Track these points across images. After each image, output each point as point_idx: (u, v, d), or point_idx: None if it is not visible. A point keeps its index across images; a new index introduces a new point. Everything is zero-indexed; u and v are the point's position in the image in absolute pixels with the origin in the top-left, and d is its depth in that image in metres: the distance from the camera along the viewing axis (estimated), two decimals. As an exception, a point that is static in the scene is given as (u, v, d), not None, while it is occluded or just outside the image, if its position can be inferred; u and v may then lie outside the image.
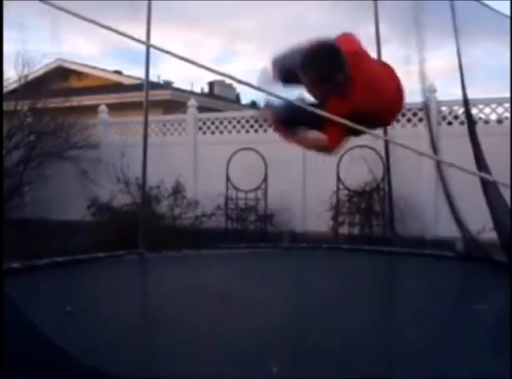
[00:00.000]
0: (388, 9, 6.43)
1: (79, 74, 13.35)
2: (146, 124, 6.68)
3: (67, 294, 3.92)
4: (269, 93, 2.34)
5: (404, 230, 6.68)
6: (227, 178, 8.13)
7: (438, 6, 5.27)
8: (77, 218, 8.09)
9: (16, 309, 1.67)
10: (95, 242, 6.79)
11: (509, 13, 4.71)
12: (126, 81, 13.48)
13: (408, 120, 8.11)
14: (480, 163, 4.84)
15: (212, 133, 9.47)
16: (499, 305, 3.40)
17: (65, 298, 3.74)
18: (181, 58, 1.67)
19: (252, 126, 9.16)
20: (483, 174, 4.27)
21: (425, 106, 6.53)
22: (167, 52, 1.70)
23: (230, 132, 9.33)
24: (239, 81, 1.85)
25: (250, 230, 8.02)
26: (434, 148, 5.56)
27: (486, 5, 5.12)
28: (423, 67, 5.53)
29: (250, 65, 29.34)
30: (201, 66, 1.71)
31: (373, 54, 2.83)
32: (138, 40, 1.76)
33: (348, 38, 2.75)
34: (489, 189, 4.68)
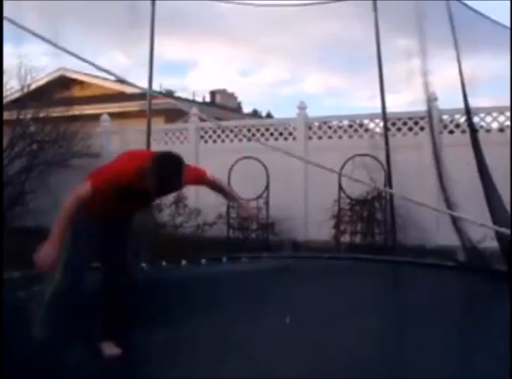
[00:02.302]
0: (392, 17, 6.47)
1: (81, 83, 13.37)
2: (149, 133, 6.72)
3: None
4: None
5: (405, 239, 6.67)
6: (229, 187, 8.12)
7: (441, 18, 5.30)
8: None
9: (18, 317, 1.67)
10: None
11: (508, 24, 4.74)
12: (128, 90, 13.52)
13: (410, 129, 8.11)
14: (483, 171, 4.84)
15: (214, 141, 9.49)
16: (499, 314, 3.39)
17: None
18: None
19: (254, 135, 9.17)
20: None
21: (428, 115, 6.55)
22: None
23: (232, 141, 9.35)
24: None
25: (252, 238, 8.00)
26: (437, 156, 5.58)
27: (486, 17, 5.16)
28: (426, 77, 5.57)
29: (273, 76, 30.22)
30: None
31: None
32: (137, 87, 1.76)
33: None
34: (490, 197, 4.69)
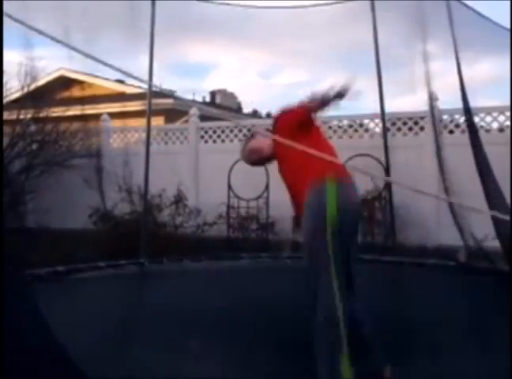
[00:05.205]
0: (389, 19, 6.47)
1: (82, 83, 13.37)
2: (148, 133, 6.71)
3: (68, 302, 3.92)
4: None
5: (405, 239, 6.67)
6: (229, 187, 8.13)
7: (441, 18, 5.30)
8: (79, 227, 8.08)
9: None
10: (96, 250, 6.79)
11: (508, 26, 4.74)
12: (129, 90, 13.52)
13: (410, 129, 8.12)
14: (484, 170, 4.83)
15: (214, 141, 9.49)
16: (500, 314, 3.38)
17: (66, 306, 3.74)
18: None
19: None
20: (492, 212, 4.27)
21: (432, 115, 6.57)
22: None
23: (231, 140, 9.35)
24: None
25: (252, 238, 8.00)
26: (439, 156, 5.58)
27: (486, 18, 5.16)
28: (426, 77, 5.57)
29: (291, 78, 30.70)
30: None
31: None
32: (140, 80, 1.76)
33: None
34: (491, 195, 4.68)
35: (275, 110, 3.05)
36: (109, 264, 5.48)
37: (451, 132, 7.78)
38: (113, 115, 10.79)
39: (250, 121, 9.44)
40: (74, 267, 5.19)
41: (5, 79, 8.24)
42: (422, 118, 7.84)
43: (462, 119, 7.35)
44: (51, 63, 10.58)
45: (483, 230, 4.91)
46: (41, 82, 11.03)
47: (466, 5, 5.35)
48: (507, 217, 2.95)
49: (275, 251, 7.17)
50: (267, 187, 7.99)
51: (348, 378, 2.18)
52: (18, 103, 9.39)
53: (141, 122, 8.76)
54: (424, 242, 6.99)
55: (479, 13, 5.34)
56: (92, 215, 8.22)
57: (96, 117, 10.51)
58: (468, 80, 5.21)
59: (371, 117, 8.24)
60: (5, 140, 8.58)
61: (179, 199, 8.07)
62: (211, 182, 8.68)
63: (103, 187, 8.54)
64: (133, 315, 3.77)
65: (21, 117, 9.28)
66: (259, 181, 7.97)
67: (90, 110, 10.94)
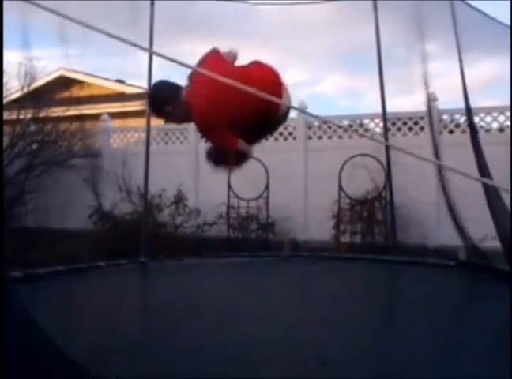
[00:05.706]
0: (390, 19, 6.47)
1: (81, 83, 13.37)
2: (148, 133, 6.71)
3: (68, 302, 3.92)
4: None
5: (405, 239, 6.67)
6: (229, 187, 8.13)
7: (443, 18, 5.30)
8: (79, 227, 8.09)
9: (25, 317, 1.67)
10: (96, 250, 6.79)
11: (509, 23, 4.74)
12: (129, 90, 13.52)
13: (410, 129, 8.12)
14: (483, 172, 4.84)
15: (214, 141, 9.48)
16: (500, 314, 3.38)
17: (67, 306, 3.74)
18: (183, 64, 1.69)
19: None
20: (484, 179, 4.27)
21: (429, 115, 6.57)
22: (171, 59, 1.71)
23: (231, 141, 9.33)
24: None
25: (252, 238, 8.01)
26: (437, 156, 5.58)
27: (487, 16, 5.16)
28: (426, 77, 5.57)
29: (291, 78, 31.16)
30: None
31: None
32: (140, 47, 1.77)
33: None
34: (492, 198, 4.68)
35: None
36: (109, 264, 5.49)
37: (451, 132, 7.78)
38: (113, 115, 10.79)
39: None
40: (74, 266, 5.20)
41: (5, 79, 8.24)
42: (422, 118, 7.84)
43: (462, 119, 7.36)
44: (51, 63, 10.58)
45: (483, 230, 4.91)
46: (41, 82, 11.02)
47: (470, 5, 5.35)
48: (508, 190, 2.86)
49: (275, 251, 7.17)
50: (267, 187, 7.99)
51: None
52: (18, 103, 9.38)
53: (140, 122, 8.76)
54: (424, 242, 6.99)
55: (483, 13, 5.33)
56: (92, 215, 8.22)
57: (96, 117, 10.51)
58: (469, 81, 5.21)
59: (371, 117, 8.25)
60: (5, 140, 8.58)
61: (179, 199, 8.07)
62: (211, 182, 8.65)
63: (101, 187, 8.54)
64: (131, 316, 3.78)
65: (21, 117, 9.27)
66: (259, 181, 7.98)
67: (90, 110, 10.95)
